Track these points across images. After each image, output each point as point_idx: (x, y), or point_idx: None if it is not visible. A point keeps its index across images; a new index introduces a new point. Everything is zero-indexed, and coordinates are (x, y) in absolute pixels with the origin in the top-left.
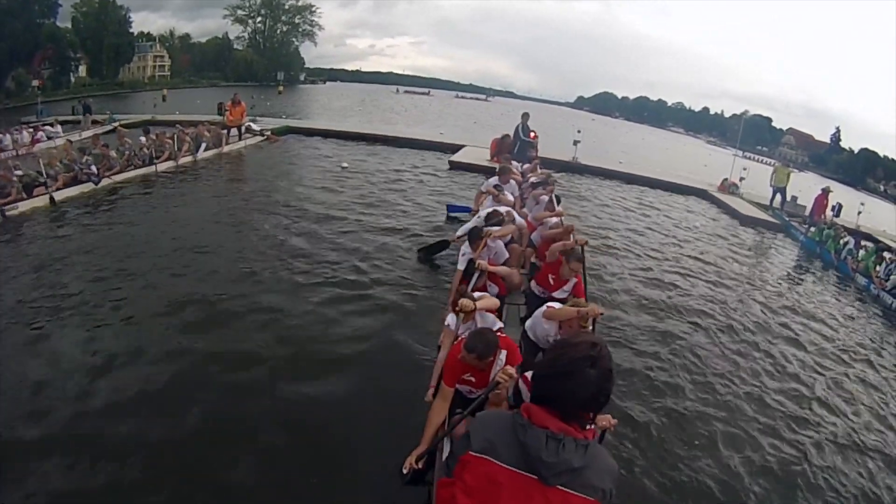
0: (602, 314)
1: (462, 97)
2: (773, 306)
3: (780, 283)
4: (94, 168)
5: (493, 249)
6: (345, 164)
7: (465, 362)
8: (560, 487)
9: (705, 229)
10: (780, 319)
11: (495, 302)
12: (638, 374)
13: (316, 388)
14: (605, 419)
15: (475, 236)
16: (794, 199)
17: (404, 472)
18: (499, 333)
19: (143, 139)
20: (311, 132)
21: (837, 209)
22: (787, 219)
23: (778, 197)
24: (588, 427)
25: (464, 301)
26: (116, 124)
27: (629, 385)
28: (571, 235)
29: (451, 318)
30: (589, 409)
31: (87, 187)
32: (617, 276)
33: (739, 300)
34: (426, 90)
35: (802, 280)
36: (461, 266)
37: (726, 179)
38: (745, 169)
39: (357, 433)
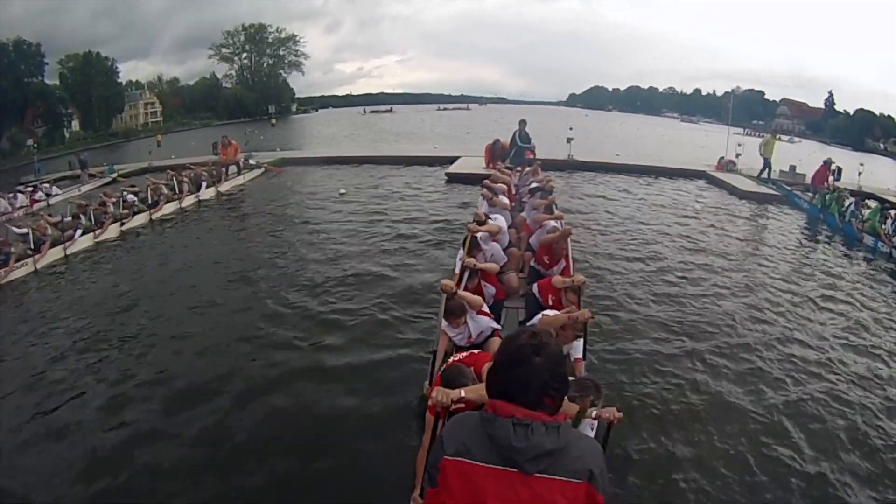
0: (592, 318)
1: (445, 108)
2: (785, 275)
3: (789, 252)
4: (82, 220)
5: (489, 252)
6: (343, 191)
7: None
8: (542, 475)
9: (708, 209)
10: (795, 287)
11: (478, 300)
12: (660, 355)
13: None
14: (608, 412)
15: (473, 245)
16: (793, 168)
17: None
18: (495, 335)
19: (136, 187)
20: (306, 161)
21: (837, 173)
22: (789, 188)
23: (766, 168)
24: (557, 413)
25: (444, 282)
26: (115, 175)
27: (649, 367)
28: (569, 246)
29: (445, 322)
30: (547, 395)
31: (89, 240)
32: (623, 264)
33: (751, 273)
34: (388, 107)
35: (811, 247)
36: (457, 269)
37: (723, 158)
38: (739, 145)
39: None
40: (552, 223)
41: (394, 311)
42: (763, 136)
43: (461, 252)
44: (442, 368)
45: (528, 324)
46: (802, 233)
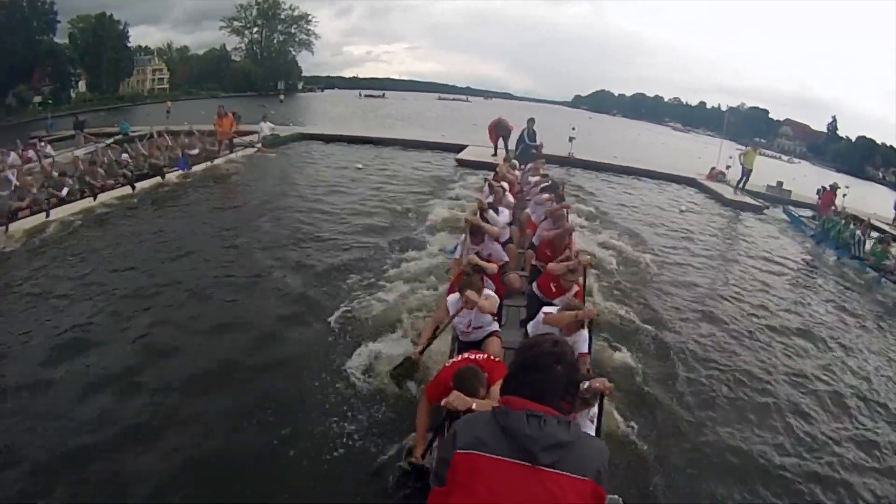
0: (598, 315)
1: (444, 98)
2: (749, 272)
3: (758, 254)
4: (70, 182)
5: (488, 249)
6: (359, 166)
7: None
8: (554, 470)
9: (693, 214)
10: (768, 302)
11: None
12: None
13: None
14: (599, 381)
15: (476, 229)
16: (780, 183)
17: (404, 466)
18: (494, 335)
19: (125, 156)
20: (320, 138)
21: (822, 192)
22: (796, 215)
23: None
24: (570, 415)
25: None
26: (110, 142)
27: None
28: (574, 249)
29: (452, 299)
30: (565, 401)
31: (78, 206)
32: (610, 262)
33: (721, 278)
34: (381, 93)
35: (800, 265)
36: (458, 255)
37: (714, 168)
38: (730, 157)
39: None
40: (545, 196)
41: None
42: (742, 149)
43: (465, 238)
44: (455, 361)
45: (531, 324)
46: (796, 250)
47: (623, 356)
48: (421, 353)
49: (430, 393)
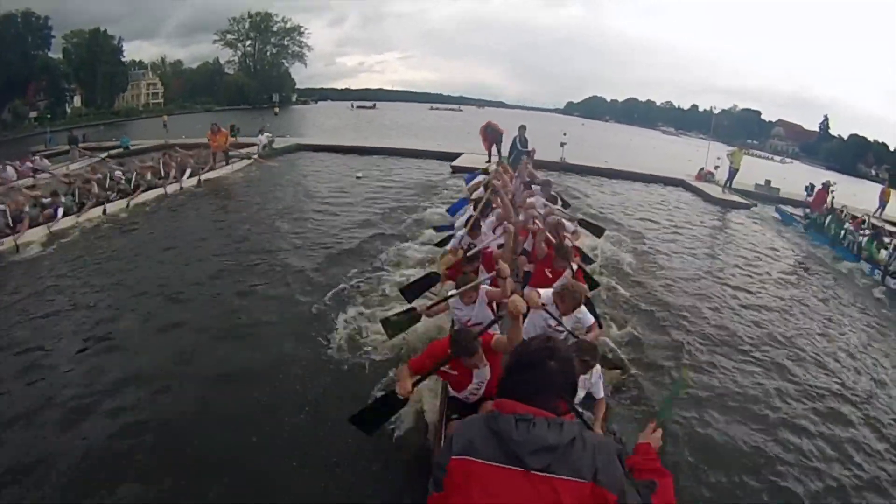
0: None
1: (437, 108)
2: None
3: (749, 251)
4: (63, 199)
5: (486, 238)
6: (359, 175)
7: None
8: (547, 474)
9: (682, 212)
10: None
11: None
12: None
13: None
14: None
15: (476, 226)
16: (768, 182)
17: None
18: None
19: (119, 172)
20: (318, 148)
21: (810, 189)
22: (788, 212)
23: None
24: (566, 414)
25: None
26: (104, 156)
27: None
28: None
29: (454, 293)
30: (562, 398)
31: (71, 220)
32: (603, 253)
33: (706, 266)
34: (372, 104)
35: (789, 257)
36: (454, 244)
37: (702, 169)
38: (718, 158)
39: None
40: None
41: None
42: (730, 149)
43: (460, 231)
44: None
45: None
46: (761, 231)
47: (616, 332)
48: (427, 308)
49: (414, 363)
